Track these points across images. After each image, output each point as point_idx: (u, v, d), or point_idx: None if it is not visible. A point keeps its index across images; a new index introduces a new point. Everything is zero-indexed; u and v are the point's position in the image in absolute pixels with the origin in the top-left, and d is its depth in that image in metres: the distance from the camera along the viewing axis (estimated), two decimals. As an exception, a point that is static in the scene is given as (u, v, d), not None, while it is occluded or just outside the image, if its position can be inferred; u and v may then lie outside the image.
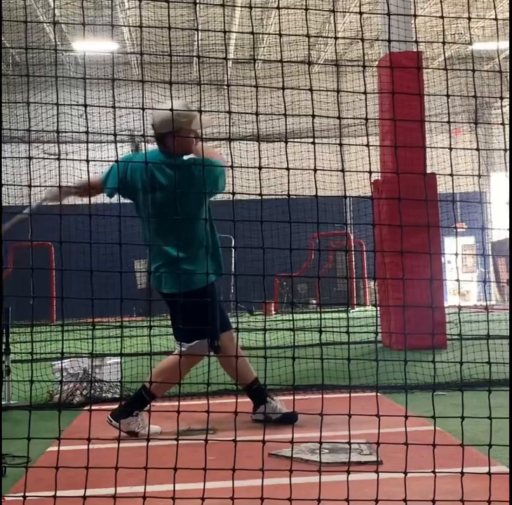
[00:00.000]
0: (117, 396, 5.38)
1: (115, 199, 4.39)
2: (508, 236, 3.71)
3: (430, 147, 13.01)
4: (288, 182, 2.68)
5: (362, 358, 3.21)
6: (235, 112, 2.71)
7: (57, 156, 13.84)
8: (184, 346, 4.23)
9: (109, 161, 3.37)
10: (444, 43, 2.83)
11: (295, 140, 17.16)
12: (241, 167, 3.50)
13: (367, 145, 2.60)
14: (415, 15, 3.28)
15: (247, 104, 12.52)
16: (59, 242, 2.47)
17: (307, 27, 2.69)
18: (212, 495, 2.39)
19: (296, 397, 2.59)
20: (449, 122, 2.95)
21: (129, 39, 19.54)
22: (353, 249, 19.91)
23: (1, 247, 2.33)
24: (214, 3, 14.38)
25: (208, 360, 3.40)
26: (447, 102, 2.80)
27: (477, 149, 2.87)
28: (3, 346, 5.40)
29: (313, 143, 2.62)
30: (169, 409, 4.36)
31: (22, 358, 6.98)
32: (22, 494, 2.37)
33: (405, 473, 2.36)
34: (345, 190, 3.15)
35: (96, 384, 5.51)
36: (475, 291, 22.68)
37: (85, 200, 3.85)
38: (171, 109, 3.23)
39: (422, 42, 7.56)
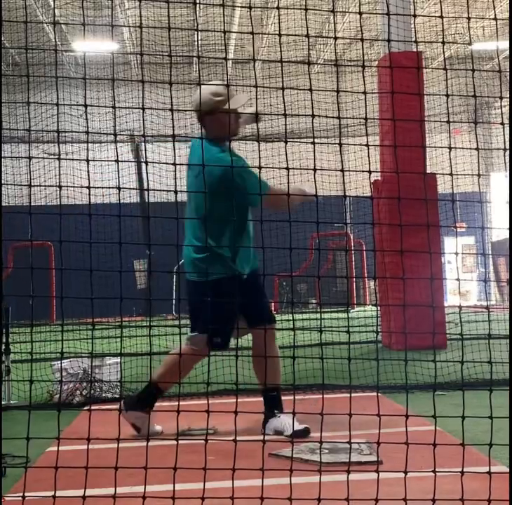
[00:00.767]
0: (117, 396, 5.38)
1: (115, 199, 4.38)
2: (508, 236, 3.70)
3: (430, 147, 13.01)
4: (288, 182, 2.68)
5: (362, 358, 3.21)
6: (234, 112, 2.69)
7: (57, 156, 13.84)
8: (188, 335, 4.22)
9: (109, 161, 3.36)
10: (444, 43, 2.83)
11: (295, 140, 17.15)
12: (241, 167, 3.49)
13: (367, 145, 2.60)
14: (415, 15, 3.29)
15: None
16: (59, 241, 2.47)
17: (307, 27, 2.69)
18: (212, 495, 2.38)
19: (297, 397, 2.59)
20: (448, 122, 2.95)
21: (129, 39, 19.54)
22: (352, 249, 19.91)
23: (1, 247, 2.33)
24: (214, 3, 14.38)
25: (208, 360, 3.39)
26: (447, 102, 2.80)
27: (477, 149, 2.87)
28: (3, 346, 5.40)
29: (313, 143, 2.62)
30: (169, 409, 4.35)
31: (21, 358, 6.98)
32: (22, 494, 2.37)
33: (405, 472, 2.36)
34: (345, 190, 3.15)
35: (96, 384, 5.50)
36: (475, 291, 22.70)
37: (85, 201, 3.84)
38: (199, 92, 3.08)
39: (422, 42, 7.57)
